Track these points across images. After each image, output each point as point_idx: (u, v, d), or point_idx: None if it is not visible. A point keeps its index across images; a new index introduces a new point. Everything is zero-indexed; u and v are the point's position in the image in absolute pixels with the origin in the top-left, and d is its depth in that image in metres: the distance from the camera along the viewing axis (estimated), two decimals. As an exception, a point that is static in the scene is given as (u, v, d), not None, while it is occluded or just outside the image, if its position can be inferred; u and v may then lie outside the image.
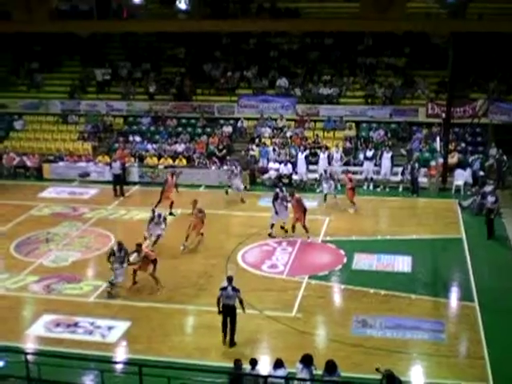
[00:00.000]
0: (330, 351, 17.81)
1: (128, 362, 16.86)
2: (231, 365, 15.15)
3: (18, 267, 23.57)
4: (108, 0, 21.42)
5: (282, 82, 38.10)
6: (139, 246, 21.42)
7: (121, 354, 18.03)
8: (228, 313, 18.08)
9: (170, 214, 28.15)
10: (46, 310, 20.31)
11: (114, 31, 33.69)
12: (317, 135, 35.57)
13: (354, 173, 33.04)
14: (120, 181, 32.43)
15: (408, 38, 37.86)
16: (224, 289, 17.94)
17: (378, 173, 32.77)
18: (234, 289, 17.91)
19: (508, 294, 21.13)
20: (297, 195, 26.17)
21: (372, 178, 32.72)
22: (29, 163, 35.51)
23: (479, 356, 17.57)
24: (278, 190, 26.76)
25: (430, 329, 19.02)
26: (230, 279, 18.12)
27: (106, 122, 38.52)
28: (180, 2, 29.47)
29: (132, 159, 35.14)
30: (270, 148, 34.72)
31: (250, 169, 33.22)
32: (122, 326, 19.23)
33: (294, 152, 34.10)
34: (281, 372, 14.38)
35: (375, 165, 32.81)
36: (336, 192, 30.03)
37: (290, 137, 35.50)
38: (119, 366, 17.23)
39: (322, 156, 32.90)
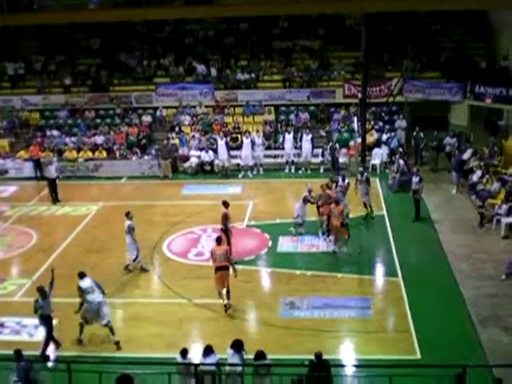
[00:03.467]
0: (259, 335, 18.02)
1: (57, 360, 16.65)
2: (162, 355, 15.15)
3: None
4: (17, -8, 20.95)
5: (200, 68, 37.98)
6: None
7: (49, 352, 17.75)
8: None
9: None
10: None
11: (25, 24, 32.94)
12: (237, 121, 35.63)
13: (275, 156, 33.39)
14: (55, 185, 30.16)
15: (322, 20, 38.23)
16: None
17: (298, 155, 33.02)
18: None
19: (429, 268, 21.76)
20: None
21: (293, 161, 32.96)
22: None
23: (405, 329, 18.04)
24: (339, 178, 26.15)
25: (357, 306, 19.38)
26: None
27: (21, 117, 37.71)
28: (91, -8, 29.17)
29: (50, 154, 34.46)
30: (190, 135, 34.56)
31: (171, 157, 33.04)
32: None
33: (214, 138, 34.11)
34: (211, 359, 14.42)
35: (295, 147, 33.04)
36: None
37: (210, 124, 35.41)
38: (49, 364, 16.98)
39: (246, 141, 32.89)
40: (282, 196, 29.45)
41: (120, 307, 20.14)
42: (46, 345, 17.54)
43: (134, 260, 22.13)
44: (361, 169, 27.52)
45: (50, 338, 17.63)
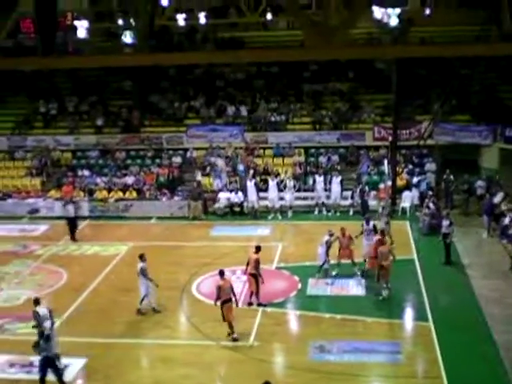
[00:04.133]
0: (289, 378, 17.89)
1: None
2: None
3: (-31, 308, 23.19)
4: (52, 35, 21.24)
5: (230, 110, 38.31)
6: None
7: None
8: None
9: None
10: (0, 350, 19.97)
11: (59, 67, 33.53)
12: (267, 163, 35.77)
13: (305, 198, 33.42)
14: (74, 224, 30.84)
15: (352, 62, 38.45)
16: None
17: (328, 197, 33.02)
18: None
19: (460, 313, 21.51)
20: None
21: (323, 203, 32.94)
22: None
23: (436, 375, 17.80)
24: (364, 221, 25.67)
25: (387, 350, 19.18)
26: None
27: (53, 156, 38.18)
28: (125, 36, 29.62)
29: (81, 194, 34.85)
30: (223, 175, 34.75)
31: (201, 199, 33.18)
32: (77, 364, 19.00)
33: (242, 174, 34.44)
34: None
35: (325, 190, 33.05)
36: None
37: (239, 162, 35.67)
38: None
39: (272, 183, 33.03)
40: (311, 238, 29.33)
41: (148, 348, 20.16)
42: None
43: (142, 300, 22.01)
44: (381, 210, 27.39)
45: (42, 379, 17.54)
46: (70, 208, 30.93)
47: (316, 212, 32.85)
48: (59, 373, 17.55)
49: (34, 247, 29.64)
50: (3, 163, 38.63)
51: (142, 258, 22.19)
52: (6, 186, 36.65)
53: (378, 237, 23.81)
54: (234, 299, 20.22)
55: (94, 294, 24.01)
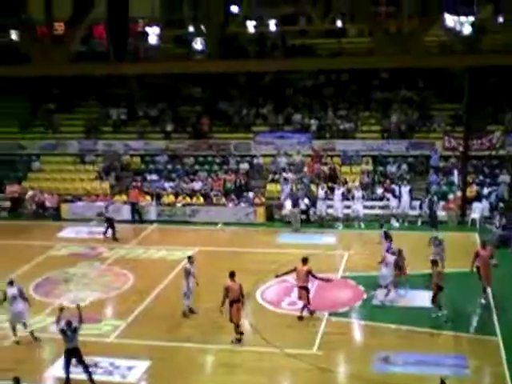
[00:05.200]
0: (352, 389, 17.70)
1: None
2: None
3: (38, 308, 23.53)
4: (124, 42, 21.63)
5: (298, 118, 38.27)
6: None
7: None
8: None
9: None
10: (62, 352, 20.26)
11: (130, 73, 34.06)
12: (334, 167, 35.60)
13: (372, 207, 33.13)
14: (112, 225, 31.75)
15: (422, 70, 37.93)
16: None
17: (397, 207, 32.70)
18: None
19: (531, 328, 20.94)
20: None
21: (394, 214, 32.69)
22: (48, 203, 35.64)
23: (504, 391, 17.38)
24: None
25: (453, 364, 18.79)
26: None
27: (123, 161, 38.74)
28: (196, 43, 29.87)
29: (148, 198, 35.29)
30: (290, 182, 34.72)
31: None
32: (141, 366, 19.14)
33: (306, 182, 34.53)
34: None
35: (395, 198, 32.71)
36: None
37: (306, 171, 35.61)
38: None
39: (337, 192, 32.90)
40: (377, 248, 29.03)
41: (212, 353, 20.21)
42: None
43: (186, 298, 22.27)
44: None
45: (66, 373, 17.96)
46: (110, 208, 32.16)
47: (395, 223, 32.50)
48: None
49: (101, 249, 30.13)
50: (74, 166, 39.44)
51: (189, 259, 22.72)
52: (76, 188, 37.36)
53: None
54: (242, 300, 20.41)
55: (159, 298, 24.22)
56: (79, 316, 18.23)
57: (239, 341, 20.37)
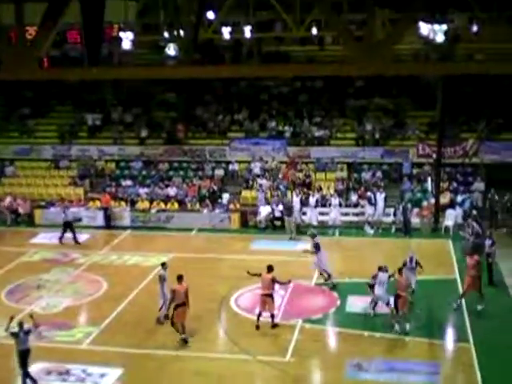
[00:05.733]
0: (325, 396, 17.72)
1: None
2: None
3: (9, 315, 23.30)
4: (98, 47, 21.50)
5: (273, 124, 38.35)
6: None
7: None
8: None
9: None
10: (38, 358, 20.07)
11: (104, 78, 33.96)
12: (309, 174, 35.76)
13: (347, 214, 33.24)
14: (71, 228, 31.87)
15: (397, 79, 38.13)
16: None
17: (373, 214, 32.81)
18: None
19: (503, 335, 21.06)
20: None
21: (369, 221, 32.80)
22: (20, 210, 35.30)
23: (476, 398, 17.49)
24: (408, 260, 23.96)
25: (425, 371, 18.90)
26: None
27: (97, 166, 38.56)
28: (169, 49, 29.80)
29: (123, 204, 35.19)
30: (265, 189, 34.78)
31: (291, 214, 32.52)
32: (113, 374, 19.04)
33: (282, 189, 34.61)
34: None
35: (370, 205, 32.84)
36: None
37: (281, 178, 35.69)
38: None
39: (312, 199, 33.16)
40: (351, 255, 29.17)
41: (184, 360, 20.15)
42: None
43: (160, 309, 22.05)
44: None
45: (25, 373, 17.91)
46: (68, 212, 32.16)
47: (370, 230, 32.58)
48: None
49: (74, 255, 29.92)
50: (48, 172, 39.17)
51: (163, 265, 22.58)
52: (49, 194, 37.09)
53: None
54: (187, 303, 20.60)
55: (132, 305, 24.08)
56: (34, 325, 18.41)
57: (185, 341, 20.57)
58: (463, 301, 23.28)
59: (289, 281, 23.15)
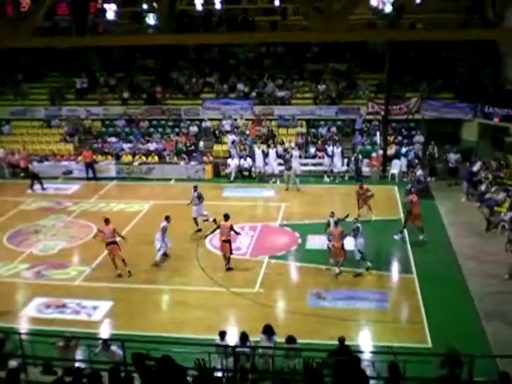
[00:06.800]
0: (289, 321, 17.97)
1: (112, 338, 16.72)
2: (203, 336, 15.15)
3: (11, 256, 23.28)
4: (85, 18, 21.15)
5: (241, 86, 38.05)
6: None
7: (105, 331, 17.94)
8: None
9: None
10: (38, 293, 20.11)
11: (90, 45, 33.37)
12: (272, 129, 35.70)
13: (306, 164, 33.29)
14: (38, 178, 32.35)
15: (350, 45, 37.97)
16: None
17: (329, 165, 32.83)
18: None
19: (441, 266, 21.50)
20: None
21: (332, 170, 32.74)
22: (22, 164, 34.64)
23: (418, 321, 17.86)
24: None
25: (376, 299, 19.26)
26: None
27: (85, 125, 38.10)
28: (149, 18, 29.36)
29: (109, 157, 34.95)
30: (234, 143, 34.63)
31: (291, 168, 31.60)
32: (105, 306, 19.17)
33: (249, 143, 34.50)
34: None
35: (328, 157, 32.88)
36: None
37: (248, 134, 35.57)
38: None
39: (271, 151, 33.24)
40: (311, 200, 29.32)
41: (167, 293, 20.30)
42: None
43: (159, 250, 22.13)
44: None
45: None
46: (35, 165, 33.06)
47: (326, 178, 32.54)
48: None
49: (67, 204, 29.71)
50: (41, 130, 38.59)
51: (167, 218, 22.36)
52: (43, 150, 36.57)
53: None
54: (117, 242, 21.42)
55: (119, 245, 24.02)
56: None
57: (120, 276, 21.04)
58: (406, 234, 23.68)
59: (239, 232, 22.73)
